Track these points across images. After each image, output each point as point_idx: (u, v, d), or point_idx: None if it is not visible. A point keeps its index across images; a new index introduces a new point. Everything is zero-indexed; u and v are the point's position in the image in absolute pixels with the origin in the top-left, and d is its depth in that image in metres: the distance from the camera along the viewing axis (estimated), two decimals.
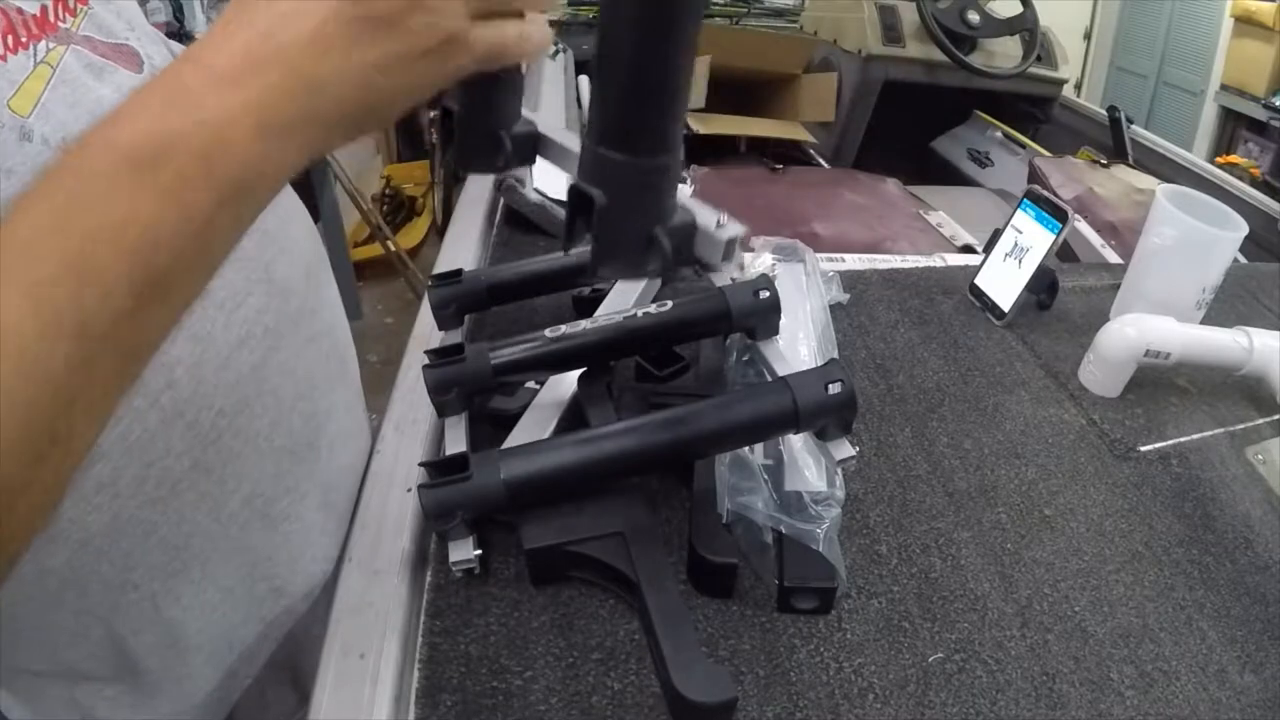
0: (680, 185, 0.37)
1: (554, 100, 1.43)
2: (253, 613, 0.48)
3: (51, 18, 0.35)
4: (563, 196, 0.98)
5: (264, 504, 0.47)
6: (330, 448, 0.53)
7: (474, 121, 0.41)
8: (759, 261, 0.76)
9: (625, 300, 0.70)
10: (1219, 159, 2.95)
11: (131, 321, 0.25)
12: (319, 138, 0.28)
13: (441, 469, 0.47)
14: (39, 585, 0.38)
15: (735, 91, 1.67)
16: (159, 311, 0.26)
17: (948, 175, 1.86)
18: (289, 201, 0.50)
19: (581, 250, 0.67)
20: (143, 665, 0.44)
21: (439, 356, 0.55)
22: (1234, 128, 3.23)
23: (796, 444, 0.54)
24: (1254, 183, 2.08)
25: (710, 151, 1.67)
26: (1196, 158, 1.53)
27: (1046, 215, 0.76)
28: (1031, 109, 1.82)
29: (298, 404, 0.48)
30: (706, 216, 0.39)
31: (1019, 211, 0.80)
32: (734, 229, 0.39)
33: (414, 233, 2.96)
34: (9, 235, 0.24)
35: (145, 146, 0.25)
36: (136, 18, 0.42)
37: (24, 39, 0.33)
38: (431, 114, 3.06)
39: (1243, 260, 1.01)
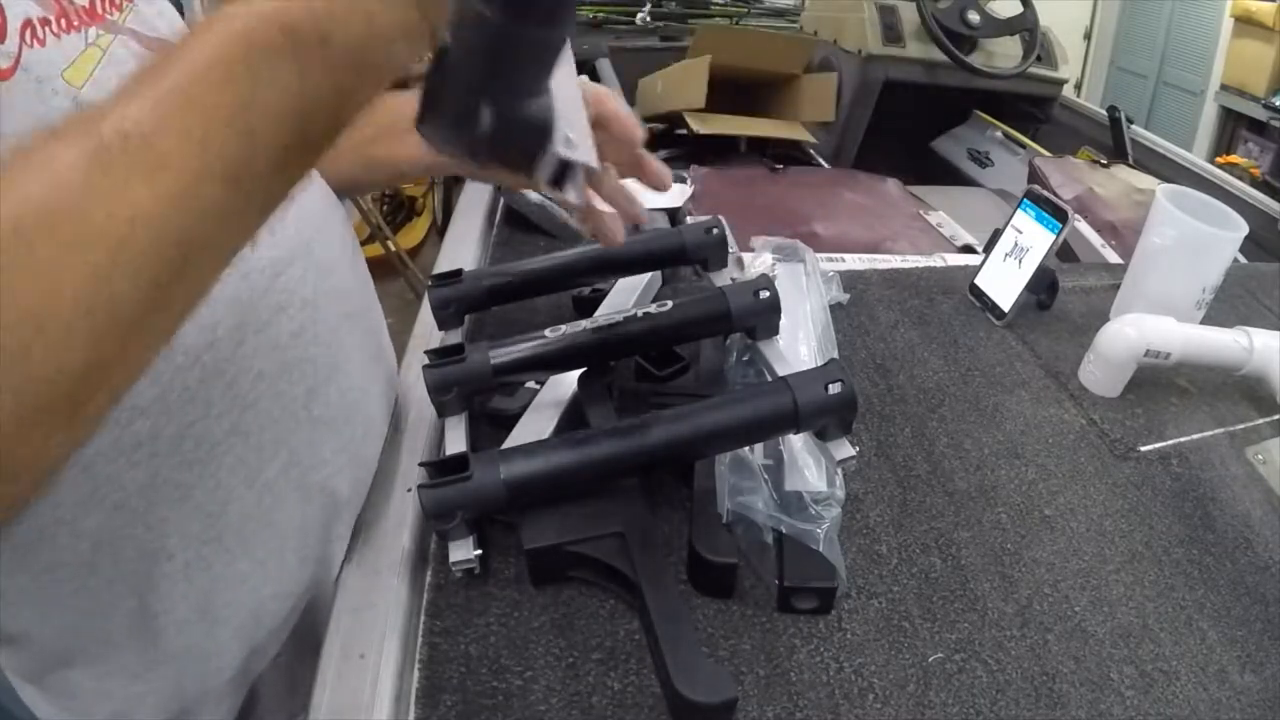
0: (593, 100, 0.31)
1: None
2: (283, 587, 0.49)
3: (99, 10, 0.37)
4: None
5: (300, 474, 0.47)
6: (365, 427, 0.54)
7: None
8: (759, 261, 0.76)
9: (625, 300, 0.70)
10: (1219, 159, 2.94)
11: (279, 176, 0.28)
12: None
13: (441, 469, 0.47)
14: (73, 551, 0.38)
15: (735, 91, 1.66)
16: (298, 171, 0.29)
17: (948, 175, 1.86)
18: (324, 190, 0.51)
19: (583, 250, 0.68)
20: (172, 643, 0.44)
21: (439, 356, 0.56)
22: (1234, 128, 3.23)
23: (796, 444, 0.54)
24: (1254, 183, 2.08)
25: (710, 151, 1.67)
26: (1196, 158, 1.53)
27: (1046, 215, 0.76)
28: (1031, 109, 1.82)
29: (334, 376, 0.49)
30: (566, 124, 0.30)
31: (1019, 211, 0.80)
32: (581, 155, 0.31)
33: (414, 233, 2.96)
34: (172, 80, 0.26)
35: (310, 20, 0.27)
36: (175, 19, 0.44)
37: (75, 23, 0.35)
38: None
39: (1243, 260, 1.01)
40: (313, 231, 0.47)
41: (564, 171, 0.31)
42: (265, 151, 0.27)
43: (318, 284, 0.47)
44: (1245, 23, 3.01)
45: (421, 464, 0.50)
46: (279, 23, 0.26)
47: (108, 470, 0.37)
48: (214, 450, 0.41)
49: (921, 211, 1.32)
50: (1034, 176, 1.39)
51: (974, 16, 1.63)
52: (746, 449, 0.53)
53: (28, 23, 0.32)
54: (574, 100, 0.32)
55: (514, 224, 0.92)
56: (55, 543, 0.37)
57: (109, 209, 0.24)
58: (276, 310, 0.43)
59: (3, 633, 0.42)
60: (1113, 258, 1.16)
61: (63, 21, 0.34)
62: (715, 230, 0.66)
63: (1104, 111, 1.65)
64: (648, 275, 0.73)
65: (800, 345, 0.65)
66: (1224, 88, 3.20)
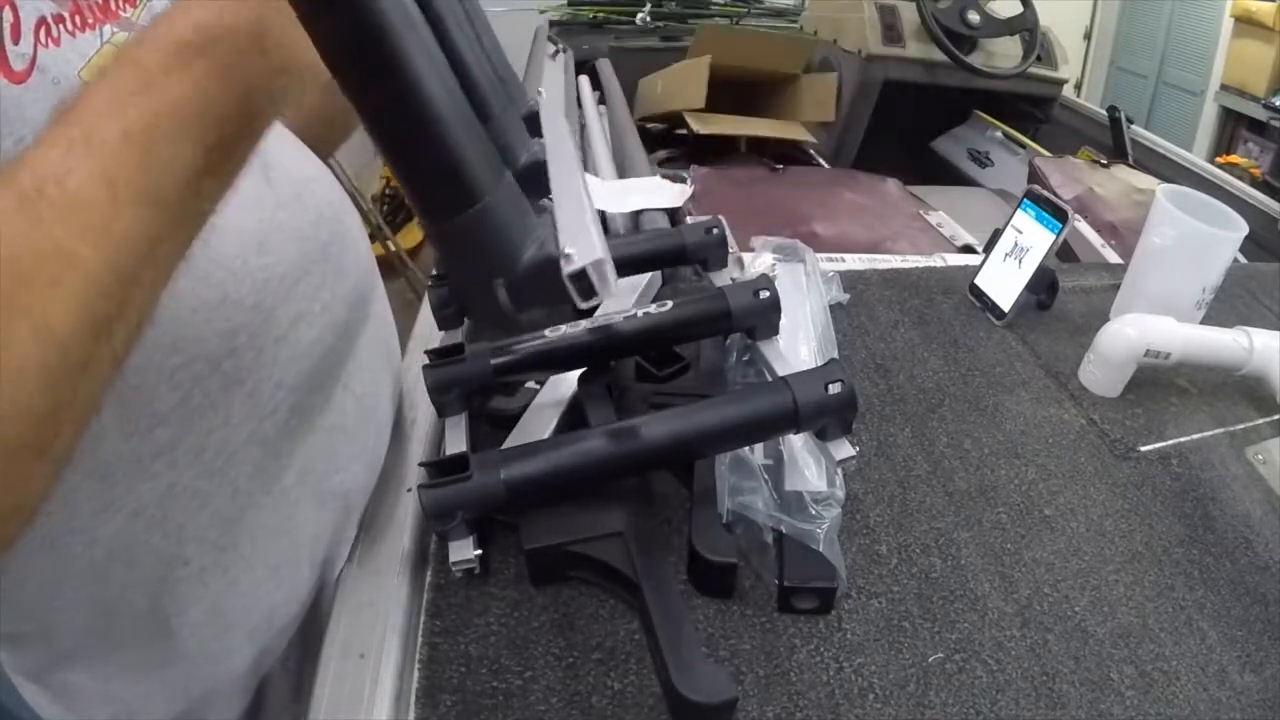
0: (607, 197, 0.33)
1: (554, 100, 1.43)
2: (295, 591, 0.49)
3: (114, 6, 0.37)
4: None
5: (316, 480, 0.47)
6: (377, 430, 0.54)
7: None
8: (759, 261, 0.76)
9: (625, 300, 0.70)
10: (1219, 159, 2.94)
11: (194, 189, 0.28)
12: None
13: (441, 469, 0.47)
14: (86, 558, 0.38)
15: (735, 91, 1.66)
16: (217, 181, 0.30)
17: (948, 175, 1.86)
18: (338, 192, 0.51)
19: None
20: (183, 645, 0.44)
21: (439, 356, 0.56)
22: (1234, 128, 3.22)
23: (796, 444, 0.54)
24: (1254, 183, 2.08)
25: (710, 151, 1.67)
26: (1196, 158, 1.53)
27: (1046, 215, 0.76)
28: (1031, 109, 1.82)
29: (350, 383, 0.49)
30: (566, 244, 0.30)
31: (1019, 211, 0.80)
32: (585, 257, 0.29)
33: (414, 233, 2.96)
34: (75, 121, 0.27)
35: (199, 32, 0.28)
36: None
37: (90, 21, 0.35)
38: None
39: (1243, 260, 1.01)
40: (329, 235, 0.47)
41: (583, 281, 0.29)
42: (172, 170, 0.27)
43: (335, 289, 0.46)
44: (1245, 23, 3.00)
45: (421, 464, 0.50)
46: (171, 40, 0.28)
47: (126, 479, 0.37)
48: (233, 459, 0.41)
49: (921, 211, 1.32)
50: (1034, 176, 1.39)
51: (974, 16, 1.63)
52: (746, 449, 0.53)
53: (41, 21, 0.32)
54: (575, 203, 0.32)
55: None
56: (69, 550, 0.37)
57: (39, 253, 0.25)
58: (296, 318, 0.43)
59: (6, 633, 0.41)
60: (1113, 258, 1.16)
61: (77, 19, 0.34)
62: (715, 230, 0.66)
63: (1104, 111, 1.65)
64: (648, 275, 0.73)
65: (800, 345, 0.65)
66: (1224, 88, 3.19)
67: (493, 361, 0.55)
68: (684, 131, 1.63)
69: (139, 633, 0.43)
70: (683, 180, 1.10)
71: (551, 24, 2.09)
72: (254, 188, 0.41)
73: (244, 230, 0.40)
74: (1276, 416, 0.69)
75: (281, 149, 0.46)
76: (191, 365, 0.37)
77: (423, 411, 0.59)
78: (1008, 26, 1.66)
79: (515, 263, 0.30)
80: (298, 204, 0.44)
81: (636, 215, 0.98)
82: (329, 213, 0.47)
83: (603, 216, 0.99)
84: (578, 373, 0.59)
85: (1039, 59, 1.68)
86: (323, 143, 0.53)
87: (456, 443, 0.53)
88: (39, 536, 0.36)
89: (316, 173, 0.49)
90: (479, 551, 0.47)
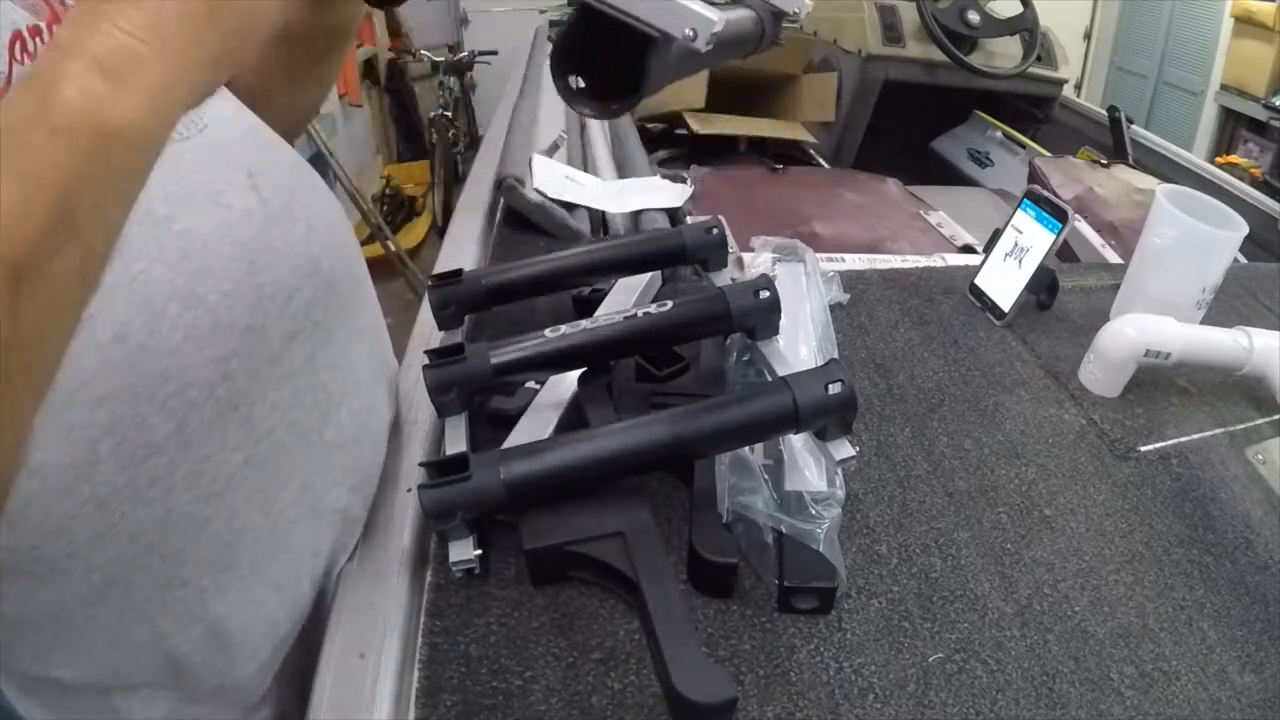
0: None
1: (554, 100, 1.43)
2: (296, 608, 0.49)
3: None
4: (563, 197, 0.99)
5: (313, 498, 0.47)
6: (373, 443, 0.54)
7: None
8: (759, 261, 0.76)
9: (625, 300, 0.70)
10: (1219, 159, 2.95)
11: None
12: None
13: (441, 469, 0.47)
14: (85, 583, 0.38)
15: (735, 91, 1.66)
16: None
17: (948, 175, 1.86)
18: (328, 198, 0.50)
19: (583, 250, 0.67)
20: (185, 664, 0.44)
21: (439, 356, 0.55)
22: (1234, 128, 3.23)
23: (797, 444, 0.54)
24: (1254, 183, 2.08)
25: (710, 151, 1.67)
26: (1196, 158, 1.53)
27: (1046, 215, 0.76)
28: (1031, 109, 1.82)
29: (345, 399, 0.48)
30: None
31: (1019, 211, 0.80)
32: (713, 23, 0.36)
33: (414, 233, 2.97)
34: None
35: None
36: None
37: None
38: (431, 114, 3.06)
39: (1243, 260, 1.01)
40: (320, 246, 0.45)
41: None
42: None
43: (328, 304, 0.46)
44: (1245, 23, 3.01)
45: (421, 464, 0.50)
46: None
47: (123, 507, 0.36)
48: (230, 483, 0.40)
49: (921, 211, 1.32)
50: (1034, 176, 1.39)
51: (974, 16, 1.63)
52: (746, 449, 0.53)
53: (17, 35, 0.30)
54: None
55: (514, 224, 0.92)
56: (68, 576, 0.37)
57: None
58: (289, 337, 0.42)
59: (3, 656, 0.41)
60: (1113, 258, 1.16)
61: (54, 28, 0.32)
62: (715, 230, 0.66)
63: (1104, 111, 1.66)
64: (648, 275, 0.73)
65: (800, 345, 0.65)
66: (1224, 88, 3.19)
67: (493, 361, 0.55)
68: (684, 131, 1.63)
69: (141, 658, 0.42)
70: (683, 180, 1.10)
71: (551, 24, 2.09)
72: (242, 202, 0.40)
73: (235, 248, 0.39)
74: (1276, 416, 0.69)
75: (268, 156, 0.45)
76: (185, 393, 0.37)
77: (423, 411, 0.59)
78: (1008, 26, 1.67)
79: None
80: (288, 217, 0.43)
81: (636, 215, 0.98)
82: (320, 224, 0.46)
83: (603, 217, 0.99)
84: (578, 373, 0.59)
85: (1039, 59, 1.68)
86: (297, 113, 0.52)
87: (456, 443, 0.53)
88: (36, 564, 0.35)
89: (307, 180, 0.48)
90: (479, 551, 0.47)
